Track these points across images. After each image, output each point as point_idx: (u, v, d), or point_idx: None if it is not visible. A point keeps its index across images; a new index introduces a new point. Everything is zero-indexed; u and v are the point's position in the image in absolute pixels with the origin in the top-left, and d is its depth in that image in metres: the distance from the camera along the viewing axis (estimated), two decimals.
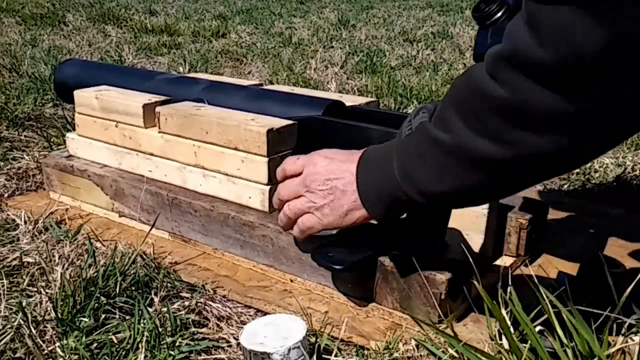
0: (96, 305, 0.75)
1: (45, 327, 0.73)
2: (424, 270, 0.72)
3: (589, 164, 1.35)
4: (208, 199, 0.94)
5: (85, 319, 0.73)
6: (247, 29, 3.52)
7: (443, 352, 0.66)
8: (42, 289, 0.79)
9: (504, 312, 0.64)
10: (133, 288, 0.81)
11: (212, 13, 4.23)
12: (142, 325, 0.72)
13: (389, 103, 1.91)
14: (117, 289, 0.79)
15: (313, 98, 1.00)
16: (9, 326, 0.72)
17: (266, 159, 0.87)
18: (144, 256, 0.89)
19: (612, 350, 0.61)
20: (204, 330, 0.75)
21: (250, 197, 0.90)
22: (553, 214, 1.04)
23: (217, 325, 0.76)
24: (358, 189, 0.68)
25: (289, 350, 0.64)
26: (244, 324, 0.74)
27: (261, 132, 0.86)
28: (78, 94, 1.09)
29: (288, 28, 3.57)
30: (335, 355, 0.69)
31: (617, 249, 0.94)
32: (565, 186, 1.28)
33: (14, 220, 1.02)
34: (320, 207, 0.71)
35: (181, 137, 0.95)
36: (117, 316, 0.76)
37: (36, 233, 0.98)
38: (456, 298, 0.74)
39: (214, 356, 0.70)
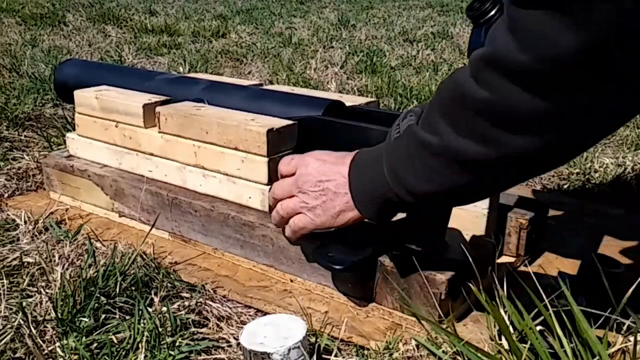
0: (96, 305, 0.75)
1: (45, 327, 0.73)
2: (424, 270, 0.72)
3: (589, 164, 1.35)
4: (208, 199, 0.94)
5: (85, 319, 0.73)
6: (247, 29, 3.52)
7: (443, 352, 0.66)
8: (42, 289, 0.79)
9: (503, 312, 0.64)
10: (133, 288, 0.81)
11: (212, 13, 4.23)
12: (142, 325, 0.72)
13: (389, 103, 1.91)
14: (117, 289, 0.79)
15: (313, 98, 1.00)
16: (9, 326, 0.72)
17: (266, 159, 0.87)
18: (144, 256, 0.89)
19: (612, 350, 0.61)
20: (204, 330, 0.75)
21: (250, 197, 0.90)
22: (553, 214, 1.04)
23: (217, 325, 0.76)
24: (351, 191, 0.70)
25: (289, 350, 0.64)
26: (244, 324, 0.74)
27: (261, 132, 0.86)
28: (78, 94, 1.09)
29: (288, 28, 3.57)
30: (335, 355, 0.69)
31: (617, 249, 0.94)
32: (565, 186, 1.28)
33: (14, 220, 1.02)
34: (312, 208, 0.73)
35: (181, 137, 0.95)
36: (117, 316, 0.76)
37: (36, 233, 0.98)
38: (456, 298, 0.74)
39: (214, 356, 0.70)
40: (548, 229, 0.96)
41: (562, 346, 0.60)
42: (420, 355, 0.69)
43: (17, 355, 0.69)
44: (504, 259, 0.88)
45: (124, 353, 0.69)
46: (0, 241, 0.95)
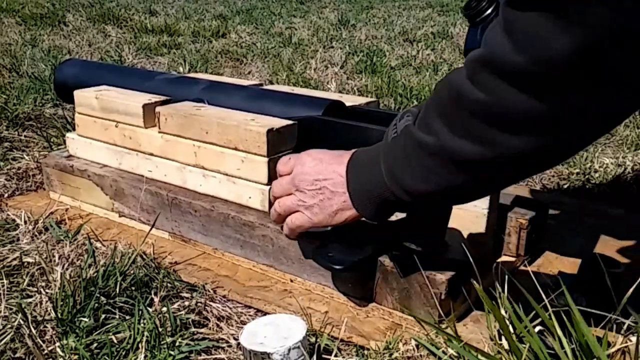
0: (96, 305, 0.75)
1: (45, 327, 0.73)
2: (424, 270, 0.72)
3: (589, 164, 1.35)
4: (208, 199, 0.94)
5: (85, 319, 0.73)
6: (247, 29, 3.52)
7: (443, 352, 0.66)
8: (42, 289, 0.79)
9: (503, 312, 0.64)
10: (133, 288, 0.81)
11: (212, 13, 4.23)
12: (142, 325, 0.72)
13: (389, 103, 1.91)
14: (117, 289, 0.79)
15: (313, 98, 1.00)
16: (9, 326, 0.72)
17: (266, 159, 0.87)
18: (144, 256, 0.89)
19: (612, 350, 0.61)
20: (204, 330, 0.75)
21: (250, 197, 0.90)
22: (553, 214, 1.04)
23: (217, 325, 0.76)
24: (349, 190, 0.71)
25: (289, 350, 0.64)
26: (244, 324, 0.74)
27: (261, 132, 0.86)
28: (78, 94, 1.09)
29: (288, 28, 3.57)
30: (335, 355, 0.69)
31: (617, 248, 0.94)
32: (565, 186, 1.28)
33: (14, 220, 1.02)
34: (309, 207, 0.74)
35: (181, 137, 0.95)
36: (117, 316, 0.76)
37: (36, 233, 0.98)
38: (456, 298, 0.74)
39: (214, 356, 0.70)
40: (548, 229, 0.96)
41: (562, 346, 0.59)
42: (420, 355, 0.69)
43: (17, 355, 0.69)
44: (504, 259, 0.88)
45: (124, 353, 0.69)
46: (0, 241, 0.95)
